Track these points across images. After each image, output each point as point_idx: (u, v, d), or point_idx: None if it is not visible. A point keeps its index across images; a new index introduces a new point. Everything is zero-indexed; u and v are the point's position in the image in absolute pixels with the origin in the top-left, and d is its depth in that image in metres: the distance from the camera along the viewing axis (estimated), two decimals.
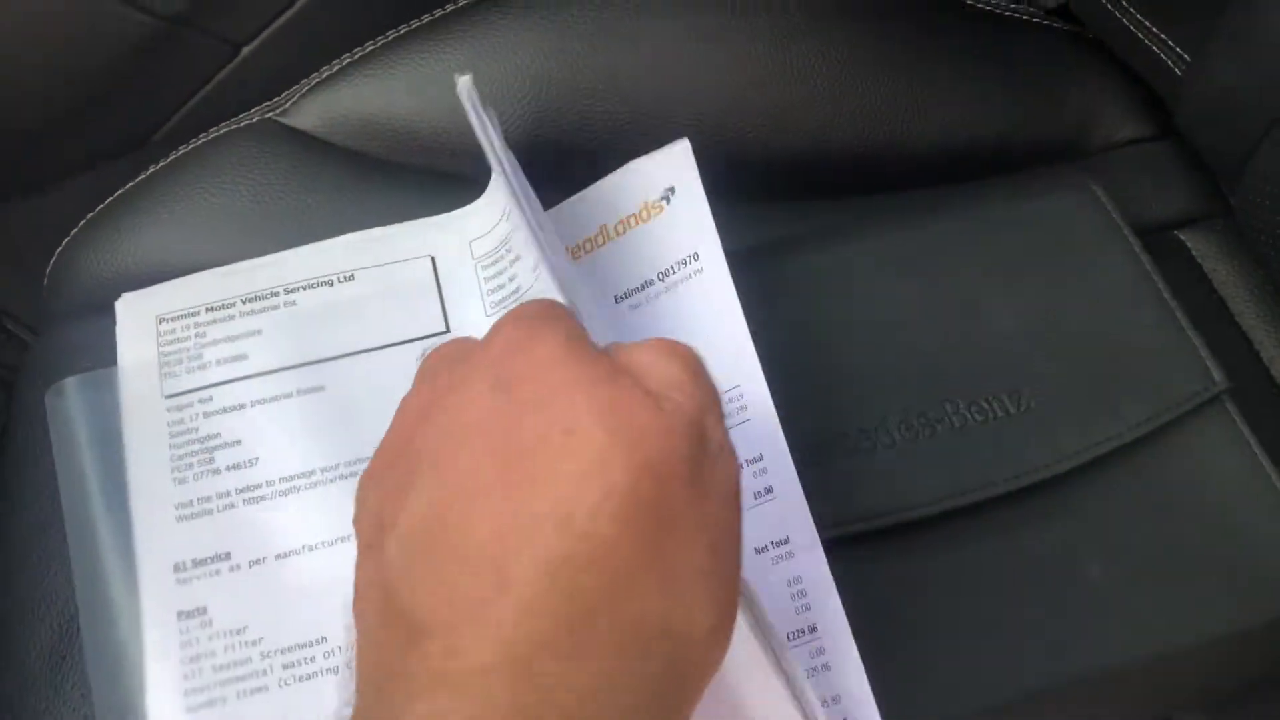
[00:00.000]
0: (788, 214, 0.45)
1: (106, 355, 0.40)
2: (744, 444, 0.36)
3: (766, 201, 0.46)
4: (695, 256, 0.39)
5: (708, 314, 0.38)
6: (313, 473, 0.37)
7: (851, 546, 0.34)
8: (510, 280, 0.40)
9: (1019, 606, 0.35)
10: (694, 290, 0.39)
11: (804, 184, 0.47)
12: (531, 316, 0.24)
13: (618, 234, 0.41)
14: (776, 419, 0.36)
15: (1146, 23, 0.49)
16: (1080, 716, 0.36)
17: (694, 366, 0.25)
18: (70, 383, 0.40)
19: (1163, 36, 0.49)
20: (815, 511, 0.34)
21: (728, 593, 0.23)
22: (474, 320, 0.40)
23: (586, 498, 0.21)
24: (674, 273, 0.39)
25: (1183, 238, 0.48)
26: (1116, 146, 0.51)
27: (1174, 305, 0.41)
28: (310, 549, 0.36)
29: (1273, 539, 0.37)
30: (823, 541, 0.34)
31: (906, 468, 0.37)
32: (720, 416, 0.25)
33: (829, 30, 0.48)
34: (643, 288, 0.40)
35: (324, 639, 0.35)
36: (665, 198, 0.40)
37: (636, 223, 0.40)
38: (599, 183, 0.42)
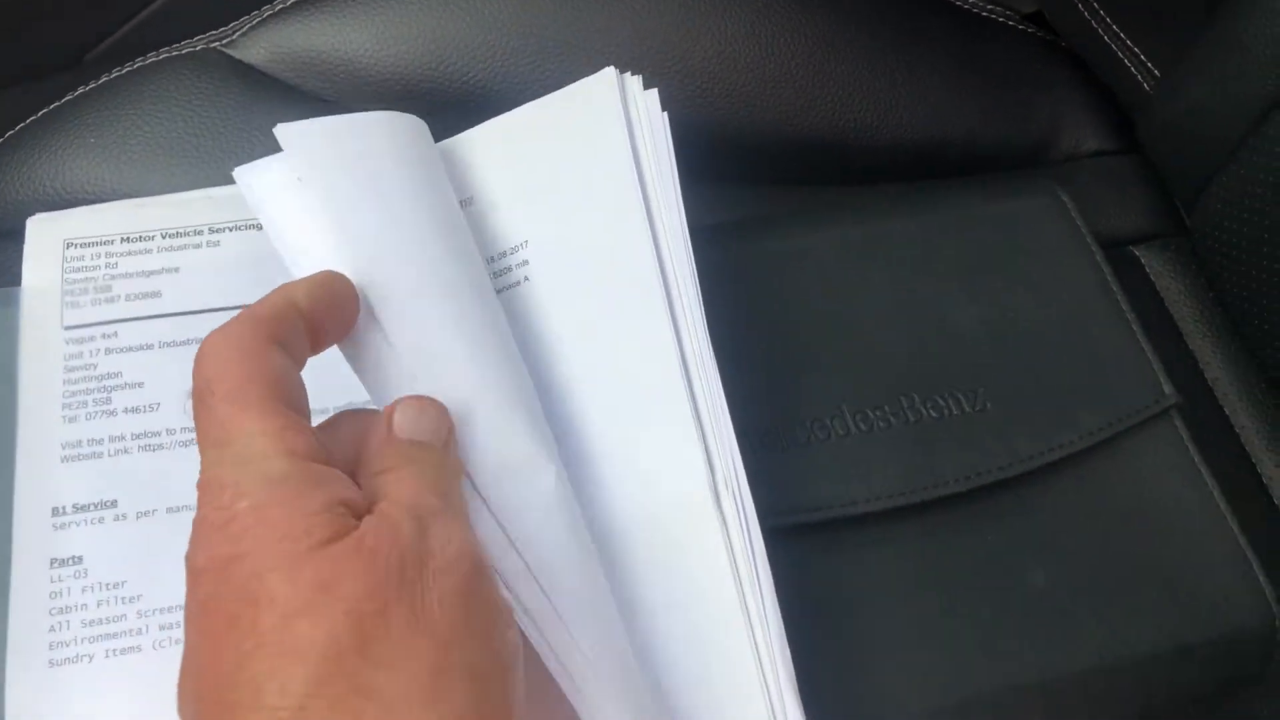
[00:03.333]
0: (754, 197, 0.41)
1: (9, 279, 0.35)
2: None
3: (734, 183, 0.42)
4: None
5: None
6: None
7: (793, 537, 0.30)
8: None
9: (961, 609, 0.31)
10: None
11: (771, 168, 0.43)
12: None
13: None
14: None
15: (1121, 34, 0.45)
16: None
17: (425, 459, 0.25)
18: None
19: (1136, 50, 0.45)
20: (759, 499, 0.30)
21: (468, 695, 0.21)
22: None
23: (279, 674, 0.20)
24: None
25: (1137, 253, 0.45)
26: (1081, 157, 0.47)
27: (1130, 318, 0.37)
28: None
29: (1212, 556, 0.34)
30: (764, 531, 0.30)
31: (858, 460, 0.33)
32: (456, 510, 0.24)
33: (808, 10, 0.43)
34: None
35: None
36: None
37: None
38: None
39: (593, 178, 0.33)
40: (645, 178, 0.33)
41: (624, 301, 0.32)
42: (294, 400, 0.24)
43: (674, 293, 0.32)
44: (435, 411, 0.26)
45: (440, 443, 0.26)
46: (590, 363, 0.31)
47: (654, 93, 0.35)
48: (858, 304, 0.36)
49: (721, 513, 0.29)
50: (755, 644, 0.28)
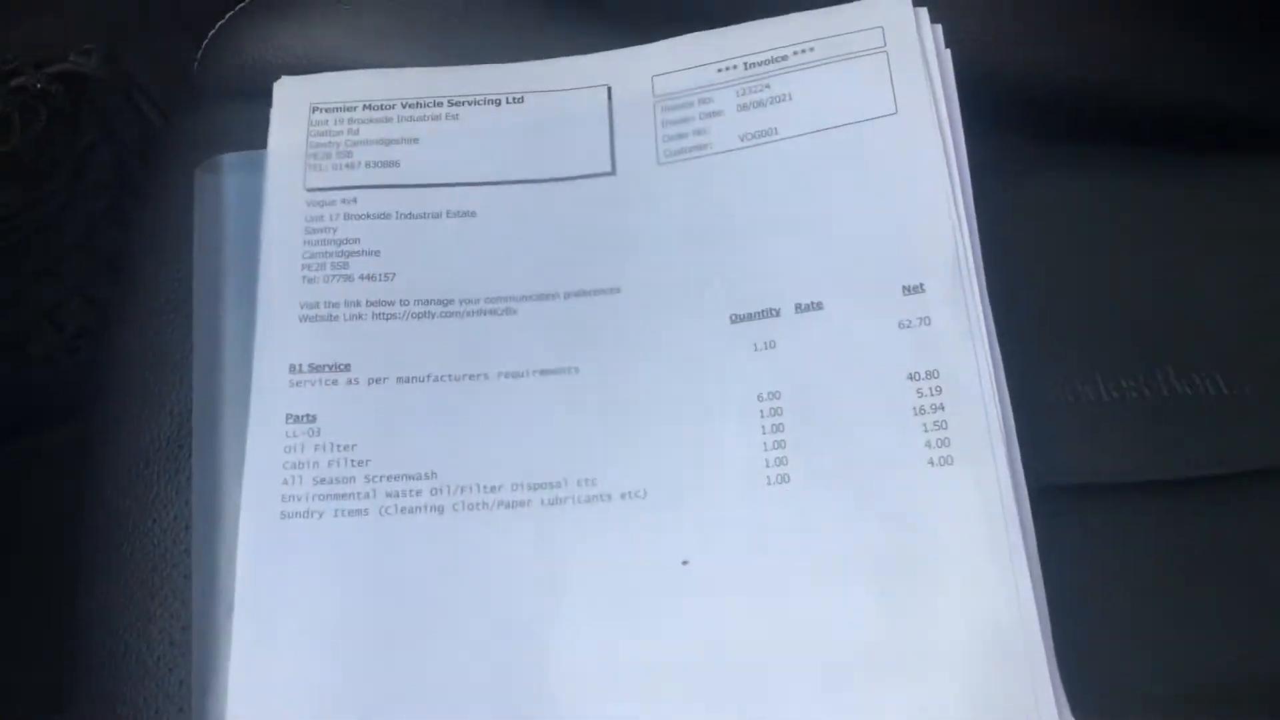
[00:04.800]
0: (1027, 146, 0.38)
1: (254, 141, 0.35)
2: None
3: (1005, 132, 0.38)
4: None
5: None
6: (450, 302, 0.32)
7: (1036, 501, 0.28)
8: (697, 135, 0.33)
9: (1204, 593, 0.29)
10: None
11: (1050, 115, 0.39)
12: None
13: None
14: (971, 330, 0.29)
15: None
16: None
17: None
18: (225, 160, 0.34)
19: None
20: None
21: None
22: (643, 168, 0.33)
23: None
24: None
25: None
26: None
27: None
28: (435, 379, 0.31)
29: None
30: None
31: (1108, 429, 0.31)
32: None
33: None
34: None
35: (434, 474, 0.30)
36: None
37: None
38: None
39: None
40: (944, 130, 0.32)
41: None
42: None
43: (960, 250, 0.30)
44: None
45: None
46: None
47: (938, 28, 0.33)
48: (1118, 268, 0.34)
49: (988, 466, 0.28)
50: (1017, 604, 0.26)
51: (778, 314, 0.31)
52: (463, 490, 0.30)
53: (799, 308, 0.31)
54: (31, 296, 0.54)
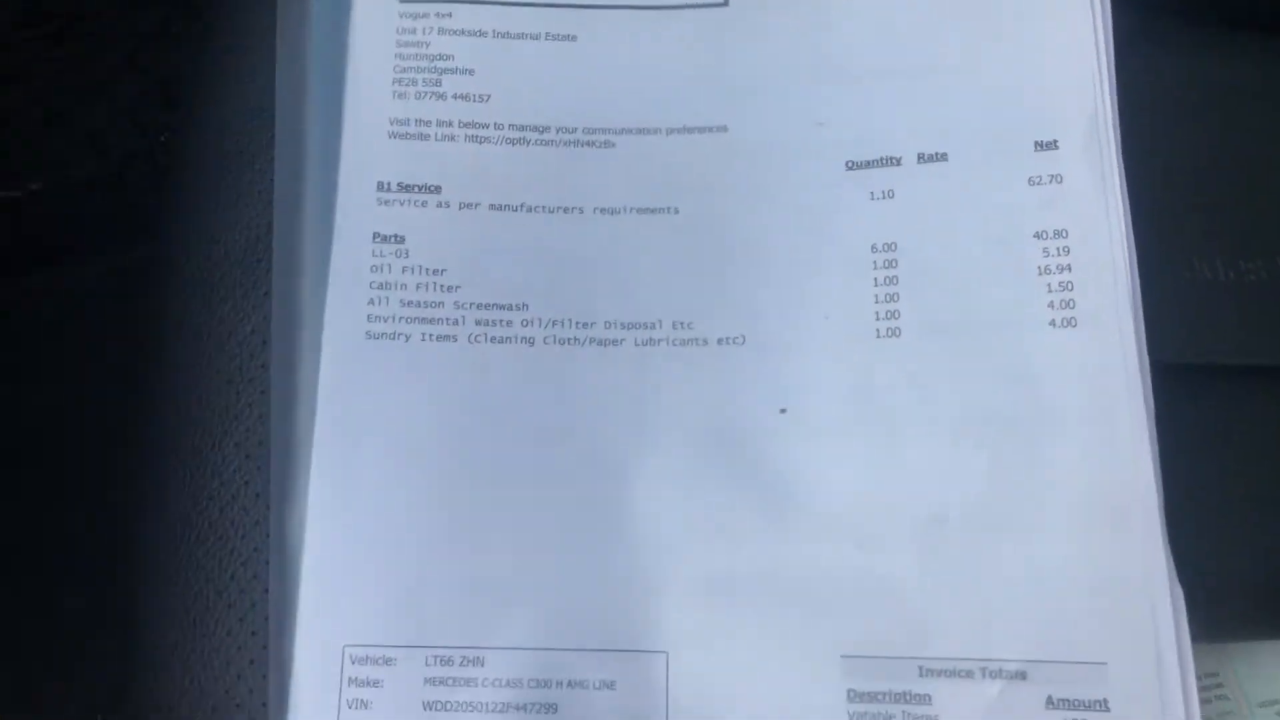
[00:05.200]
0: (1171, 23, 0.35)
1: None
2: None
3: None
4: None
5: None
6: (547, 129, 0.30)
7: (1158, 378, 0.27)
8: None
9: None
10: None
11: None
12: None
13: None
14: (1105, 192, 0.28)
15: None
16: None
17: None
18: None
19: None
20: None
21: None
22: None
23: None
24: None
25: None
26: None
27: None
28: (529, 209, 0.30)
29: None
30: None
31: (1227, 309, 0.30)
32: None
33: None
34: None
35: (525, 305, 0.29)
36: None
37: None
38: None
39: None
40: None
41: None
42: None
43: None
44: None
45: None
46: None
47: None
48: (1249, 152, 0.32)
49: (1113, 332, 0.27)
50: (1135, 474, 0.26)
51: (898, 162, 0.29)
52: (554, 324, 0.29)
53: (921, 157, 0.29)
54: (73, 116, 0.52)
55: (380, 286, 0.29)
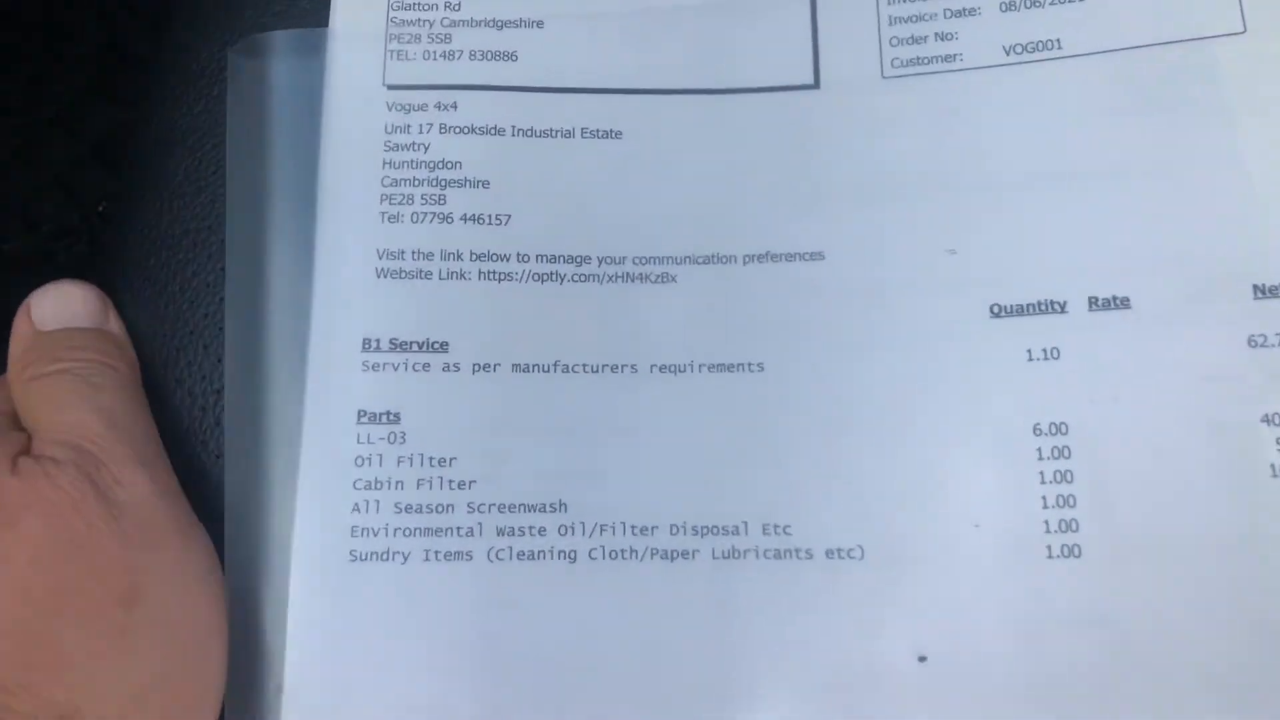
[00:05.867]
0: None
1: (312, 14, 0.25)
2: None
3: None
4: None
5: None
6: (586, 260, 0.23)
7: None
8: (940, 40, 0.23)
9: None
10: None
11: None
12: None
13: None
14: None
15: None
16: None
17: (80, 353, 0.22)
18: (270, 39, 0.24)
19: None
20: None
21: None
22: (861, 83, 0.24)
23: None
24: None
25: None
26: None
27: None
28: (565, 370, 0.22)
29: None
30: None
31: None
32: (124, 431, 0.21)
33: None
34: None
35: (563, 505, 0.22)
36: None
37: None
38: None
39: None
40: None
41: None
42: None
43: None
44: (83, 292, 0.23)
45: (97, 323, 0.23)
46: None
47: None
48: None
49: None
50: None
51: (1063, 309, 0.22)
52: (602, 530, 0.22)
53: (1094, 303, 0.22)
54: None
55: (367, 486, 0.22)
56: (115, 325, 0.23)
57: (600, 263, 0.23)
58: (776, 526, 0.22)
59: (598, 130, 0.24)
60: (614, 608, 0.21)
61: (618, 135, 0.24)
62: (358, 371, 0.22)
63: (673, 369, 0.23)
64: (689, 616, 0.21)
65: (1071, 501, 0.21)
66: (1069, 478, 0.21)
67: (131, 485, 0.20)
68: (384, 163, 0.23)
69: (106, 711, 0.19)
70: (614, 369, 0.23)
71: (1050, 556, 0.21)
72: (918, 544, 0.21)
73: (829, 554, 0.21)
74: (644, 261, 0.23)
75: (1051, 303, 0.22)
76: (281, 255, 0.23)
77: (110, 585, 0.19)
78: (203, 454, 0.23)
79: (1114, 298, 0.22)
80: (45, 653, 0.19)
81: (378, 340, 0.22)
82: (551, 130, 0.24)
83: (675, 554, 0.21)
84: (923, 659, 0.21)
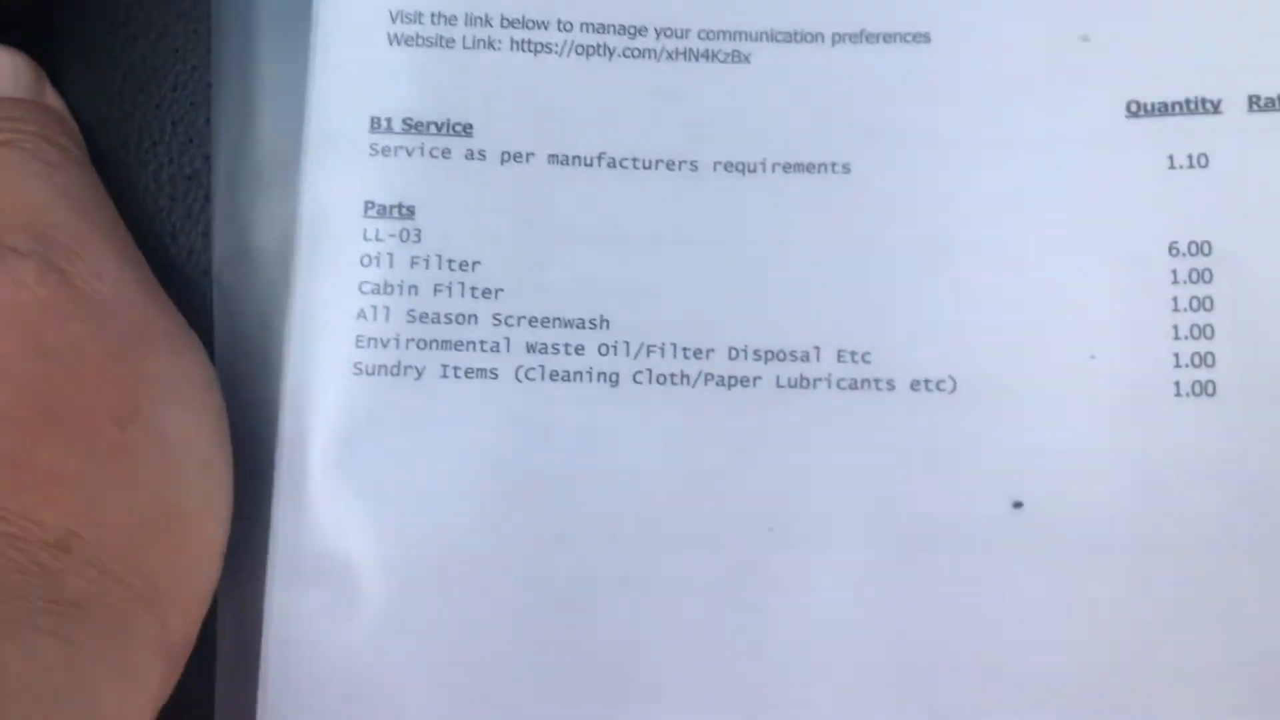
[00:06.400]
0: None
1: None
2: None
3: None
4: None
5: None
6: (642, 31, 0.19)
7: None
8: None
9: None
10: None
11: None
12: None
13: None
14: None
15: None
16: None
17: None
18: None
19: None
20: None
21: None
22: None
23: None
24: None
25: None
26: None
27: None
28: (613, 164, 0.19)
29: None
30: None
31: None
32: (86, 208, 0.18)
33: None
34: None
35: (605, 321, 0.18)
36: None
37: None
38: None
39: None
40: None
41: None
42: None
43: None
44: (12, 58, 0.19)
45: (33, 95, 0.19)
46: None
47: None
48: None
49: None
50: None
51: (1216, 108, 0.18)
52: (649, 351, 0.19)
53: (1255, 104, 0.18)
54: None
55: (375, 290, 0.18)
56: (54, 100, 0.19)
57: (658, 35, 0.19)
58: (854, 353, 0.19)
59: None
60: (660, 437, 0.18)
61: None
62: (364, 156, 0.19)
63: (740, 167, 0.19)
64: (747, 451, 0.18)
65: (1209, 332, 0.18)
66: (1208, 305, 0.18)
67: (113, 281, 0.17)
68: None
69: (108, 538, 0.16)
70: (670, 165, 0.19)
71: (1178, 395, 0.18)
72: (1020, 376, 0.18)
73: (914, 385, 0.18)
74: (711, 36, 0.19)
75: (1203, 100, 0.18)
76: (274, 15, 0.19)
77: (101, 400, 0.16)
78: (173, 249, 0.20)
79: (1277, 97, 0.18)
80: (33, 473, 0.16)
81: (388, 120, 0.19)
82: None
83: (734, 380, 0.19)
84: (1018, 505, 0.18)
